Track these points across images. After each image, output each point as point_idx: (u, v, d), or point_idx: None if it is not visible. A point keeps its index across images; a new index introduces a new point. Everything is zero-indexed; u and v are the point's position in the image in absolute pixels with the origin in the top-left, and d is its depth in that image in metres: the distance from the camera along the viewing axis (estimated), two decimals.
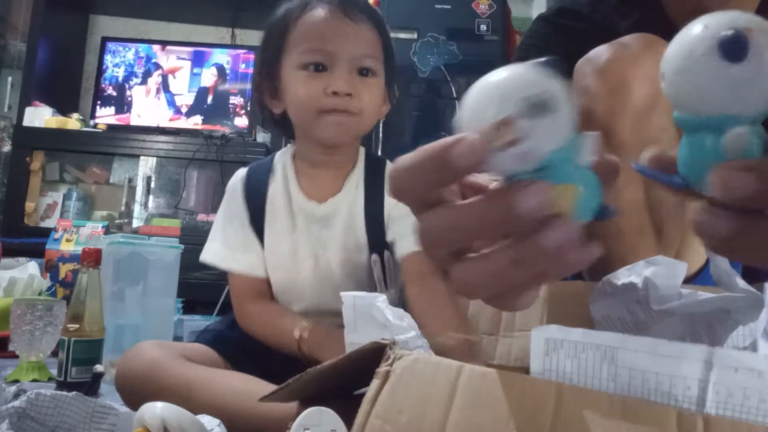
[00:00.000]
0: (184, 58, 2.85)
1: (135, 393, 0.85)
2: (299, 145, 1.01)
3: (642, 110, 0.69)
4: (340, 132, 0.91)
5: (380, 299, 0.43)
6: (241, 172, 1.03)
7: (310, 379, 0.48)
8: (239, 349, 0.95)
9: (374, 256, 0.94)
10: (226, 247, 0.99)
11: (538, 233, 0.27)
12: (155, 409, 0.57)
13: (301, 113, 0.92)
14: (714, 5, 0.71)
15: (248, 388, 0.81)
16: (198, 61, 2.85)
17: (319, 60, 0.88)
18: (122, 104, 2.80)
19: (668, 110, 0.73)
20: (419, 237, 0.30)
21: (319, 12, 0.89)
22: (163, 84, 2.83)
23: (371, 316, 0.43)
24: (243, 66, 2.85)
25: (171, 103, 2.81)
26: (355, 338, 0.43)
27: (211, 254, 1.00)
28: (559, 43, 0.80)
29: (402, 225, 0.94)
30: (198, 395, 0.80)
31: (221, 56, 2.86)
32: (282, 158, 1.02)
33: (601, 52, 0.71)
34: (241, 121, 2.78)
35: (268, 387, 0.82)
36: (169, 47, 2.88)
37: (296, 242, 0.96)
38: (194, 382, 0.82)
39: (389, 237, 0.95)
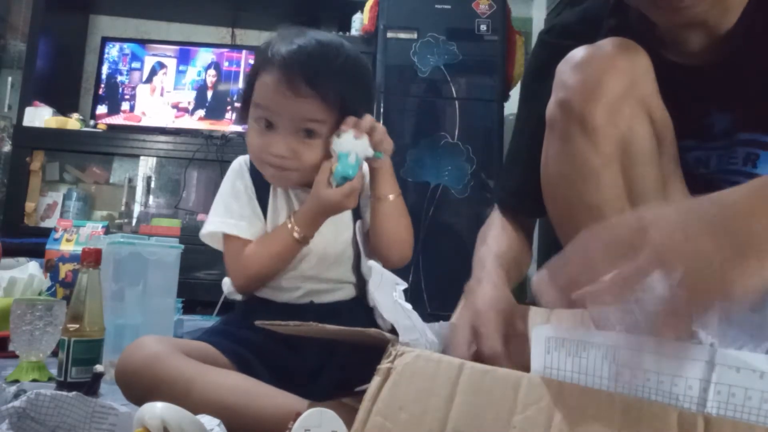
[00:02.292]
0: (170, 56, 2.86)
1: (134, 386, 0.85)
2: None
3: (614, 99, 0.74)
4: (280, 180, 1.03)
5: (401, 287, 0.48)
6: (243, 157, 1.09)
7: (308, 329, 0.49)
8: (241, 347, 0.95)
9: (358, 223, 1.06)
10: (231, 218, 1.02)
11: None
12: (155, 410, 0.57)
13: (251, 158, 1.04)
14: (700, 16, 0.72)
15: (248, 388, 0.82)
16: (184, 59, 2.86)
17: (266, 119, 0.98)
18: (123, 104, 2.81)
19: (639, 100, 0.77)
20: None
21: (271, 80, 0.97)
22: (163, 83, 2.83)
23: (392, 289, 0.47)
24: (226, 64, 2.85)
25: (170, 102, 2.81)
26: (378, 295, 0.48)
27: (213, 225, 1.02)
28: (551, 61, 0.84)
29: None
30: (197, 392, 0.81)
31: (211, 55, 2.87)
32: None
33: (577, 51, 0.77)
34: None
35: (269, 388, 0.82)
36: (167, 46, 2.89)
37: (293, 211, 1.03)
38: (194, 378, 0.82)
39: (362, 205, 1.07)
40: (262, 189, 1.05)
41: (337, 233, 1.04)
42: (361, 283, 1.07)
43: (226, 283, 1.09)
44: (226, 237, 1.02)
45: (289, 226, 0.97)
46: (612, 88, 0.73)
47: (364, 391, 0.36)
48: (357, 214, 1.07)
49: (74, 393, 0.66)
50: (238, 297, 1.06)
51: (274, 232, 1.00)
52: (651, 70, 0.77)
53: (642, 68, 0.76)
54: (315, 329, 0.50)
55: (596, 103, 0.73)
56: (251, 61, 2.84)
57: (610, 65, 0.74)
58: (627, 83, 0.74)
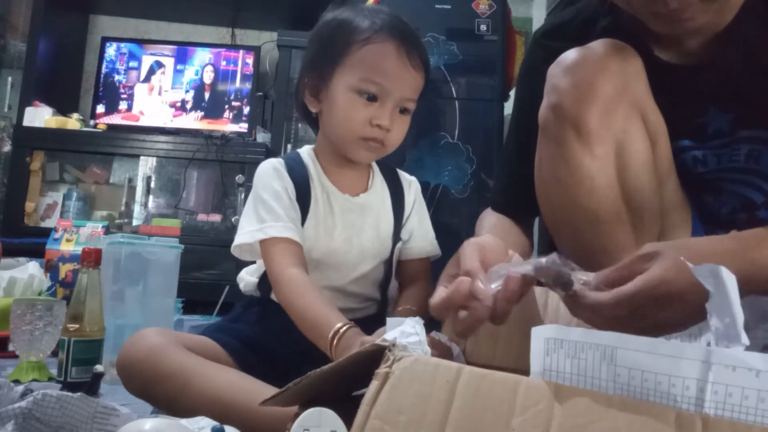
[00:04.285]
0: (168, 55, 2.86)
1: (134, 378, 0.85)
2: (323, 144, 1.07)
3: (607, 102, 0.74)
4: (370, 157, 1.02)
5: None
6: (276, 160, 1.04)
7: (310, 382, 0.48)
8: (245, 345, 0.95)
9: (398, 245, 1.06)
10: (270, 221, 0.95)
11: None
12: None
13: (342, 132, 0.99)
14: (701, 24, 0.72)
15: (247, 386, 0.81)
16: (182, 58, 2.86)
17: (374, 92, 0.95)
18: (121, 103, 2.81)
19: (632, 102, 0.78)
20: None
21: (389, 49, 0.95)
22: (161, 82, 2.83)
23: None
24: (223, 63, 2.85)
25: (170, 102, 2.81)
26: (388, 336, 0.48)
27: (248, 234, 0.96)
28: (546, 65, 0.84)
29: (416, 228, 1.09)
30: (196, 386, 0.80)
31: (209, 54, 2.87)
32: (307, 155, 1.07)
33: (568, 54, 0.77)
34: (241, 121, 2.79)
35: (268, 388, 0.82)
36: (165, 45, 2.89)
37: (333, 226, 1.01)
38: (193, 372, 0.82)
39: (403, 234, 1.08)
40: (301, 191, 1.00)
41: (375, 252, 1.03)
42: (384, 302, 1.06)
43: (243, 279, 1.07)
44: (266, 242, 0.94)
45: (332, 341, 0.80)
46: (604, 91, 0.73)
47: (361, 396, 0.36)
48: (397, 237, 1.07)
49: (79, 394, 0.66)
50: (256, 294, 1.04)
51: (321, 318, 0.84)
52: (643, 71, 0.77)
53: (634, 70, 0.76)
54: (311, 379, 0.49)
55: (589, 107, 0.73)
56: (248, 61, 2.84)
57: (602, 67, 0.73)
58: (619, 85, 0.74)
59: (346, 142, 0.99)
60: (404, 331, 0.43)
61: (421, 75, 0.99)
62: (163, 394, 0.83)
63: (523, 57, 1.04)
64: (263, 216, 0.96)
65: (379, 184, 1.09)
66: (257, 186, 1.00)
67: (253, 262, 1.07)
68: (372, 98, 0.95)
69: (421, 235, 1.10)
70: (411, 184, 1.13)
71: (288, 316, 0.91)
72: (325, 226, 1.01)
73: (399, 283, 1.09)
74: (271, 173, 1.00)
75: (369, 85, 0.95)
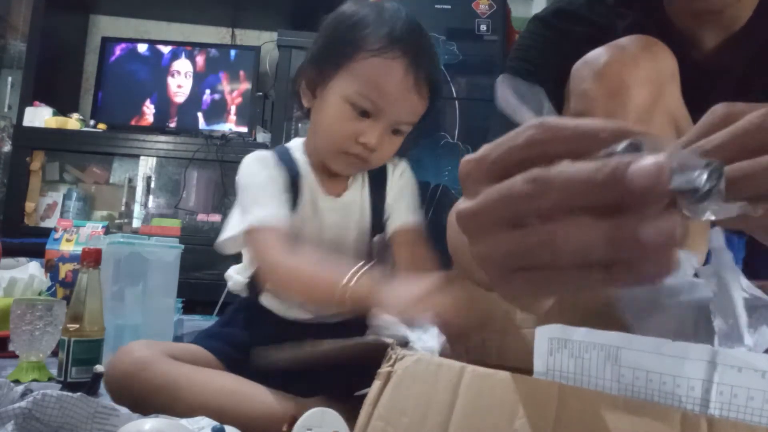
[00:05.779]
0: (169, 55, 2.85)
1: (123, 392, 0.84)
2: (311, 143, 1.04)
3: (642, 112, 0.68)
4: (350, 170, 0.99)
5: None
6: (266, 151, 1.01)
7: (310, 352, 0.48)
8: (234, 349, 0.94)
9: (376, 237, 1.03)
10: (255, 210, 0.91)
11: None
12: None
13: (325, 140, 0.95)
14: (714, 6, 0.71)
15: (236, 389, 0.81)
16: (183, 58, 2.85)
17: (367, 108, 0.90)
18: (122, 104, 2.80)
19: (667, 111, 0.74)
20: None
21: (396, 68, 0.88)
22: (163, 83, 2.83)
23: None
24: (223, 63, 2.85)
25: (170, 102, 2.81)
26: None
27: (235, 228, 0.94)
28: (556, 45, 0.81)
29: (397, 207, 1.05)
30: (184, 395, 0.80)
31: (210, 55, 2.87)
32: (296, 150, 1.04)
33: (598, 54, 0.70)
34: (241, 121, 2.79)
35: (258, 388, 0.82)
36: (167, 46, 2.88)
37: (319, 224, 1.00)
38: (181, 381, 0.81)
39: (385, 218, 1.04)
40: (292, 182, 0.97)
41: (362, 251, 1.01)
42: None
43: (231, 277, 1.05)
44: (250, 231, 0.90)
45: (346, 283, 0.75)
46: (640, 99, 0.67)
47: (363, 395, 0.36)
48: (380, 227, 1.03)
49: (79, 394, 0.66)
50: (244, 294, 1.03)
51: (322, 273, 0.80)
52: (677, 73, 0.71)
53: (668, 73, 0.70)
54: (311, 351, 0.49)
55: (624, 118, 0.66)
56: (248, 61, 2.83)
57: (637, 71, 0.68)
58: (655, 93, 0.68)
59: (327, 151, 0.96)
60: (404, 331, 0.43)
61: (424, 101, 0.93)
62: (155, 407, 0.82)
63: (523, 38, 0.91)
64: (248, 206, 0.92)
65: (359, 180, 1.04)
66: (254, 172, 0.96)
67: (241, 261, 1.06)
68: (364, 114, 0.91)
69: (401, 206, 1.04)
70: (397, 168, 1.07)
71: (278, 318, 0.90)
72: (313, 223, 0.99)
73: (395, 262, 1.04)
74: (260, 163, 0.97)
75: (364, 101, 0.90)
